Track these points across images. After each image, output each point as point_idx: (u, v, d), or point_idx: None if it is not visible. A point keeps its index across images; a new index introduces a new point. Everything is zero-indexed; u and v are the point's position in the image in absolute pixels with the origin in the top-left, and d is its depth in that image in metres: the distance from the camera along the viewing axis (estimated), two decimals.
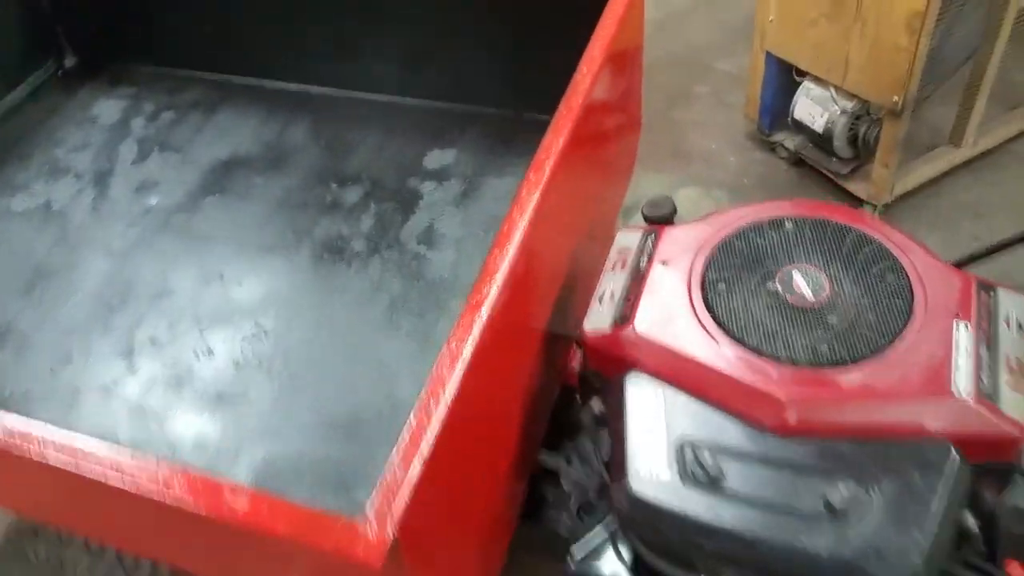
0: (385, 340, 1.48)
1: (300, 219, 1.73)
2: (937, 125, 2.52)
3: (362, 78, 1.96)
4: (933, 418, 1.03)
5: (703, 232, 1.26)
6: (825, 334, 1.11)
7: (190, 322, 1.55)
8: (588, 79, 1.22)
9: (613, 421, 1.12)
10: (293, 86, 2.05)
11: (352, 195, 1.77)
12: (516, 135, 1.84)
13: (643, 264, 1.25)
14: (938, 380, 1.05)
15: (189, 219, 1.76)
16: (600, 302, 1.23)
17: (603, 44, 1.34)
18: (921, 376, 1.05)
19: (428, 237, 1.65)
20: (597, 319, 1.21)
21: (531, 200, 1.07)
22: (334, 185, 1.80)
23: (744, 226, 1.25)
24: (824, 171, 2.52)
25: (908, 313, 1.11)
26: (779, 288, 1.16)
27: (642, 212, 1.37)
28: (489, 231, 1.65)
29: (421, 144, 1.86)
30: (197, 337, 1.53)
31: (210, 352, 1.50)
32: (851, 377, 1.06)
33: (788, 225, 1.24)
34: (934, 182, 2.50)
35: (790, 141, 2.59)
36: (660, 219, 1.35)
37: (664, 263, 1.23)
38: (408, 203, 1.73)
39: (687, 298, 1.17)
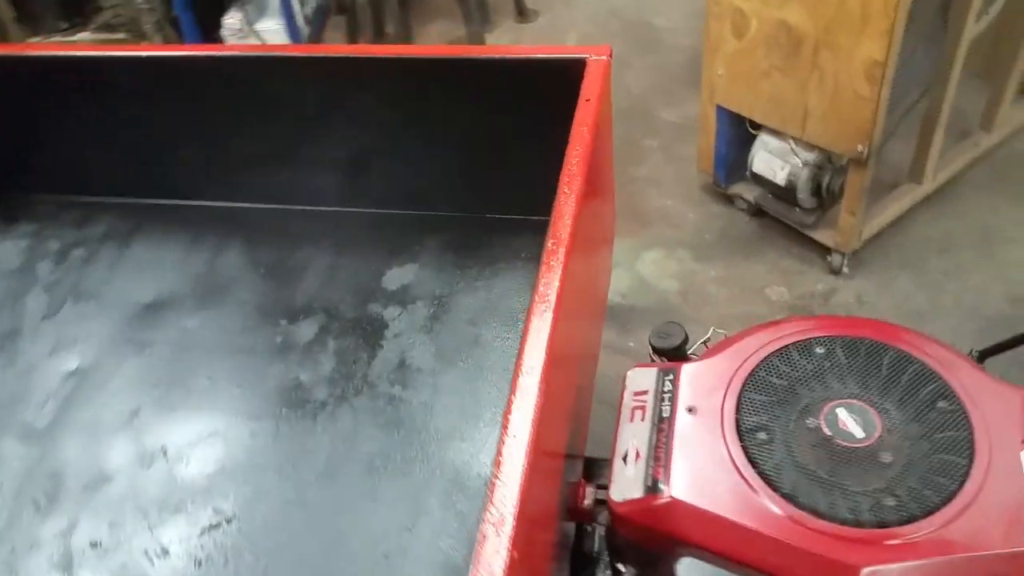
0: (369, 513, 1.29)
1: (248, 368, 1.52)
2: (893, 161, 2.46)
3: (300, 190, 1.77)
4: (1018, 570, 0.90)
5: (726, 367, 1.12)
6: (886, 482, 0.97)
7: (135, 516, 1.33)
8: (582, 159, 1.11)
9: None
10: (219, 204, 1.84)
11: (306, 331, 1.57)
12: (481, 240, 1.67)
13: (665, 411, 1.10)
14: (1017, 527, 0.92)
15: (116, 382, 1.53)
16: (625, 463, 1.07)
17: (591, 122, 1.25)
18: (1001, 524, 0.93)
19: (401, 375, 1.47)
20: (625, 484, 1.05)
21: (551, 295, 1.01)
22: (283, 321, 1.59)
23: (769, 355, 1.11)
24: (787, 222, 2.44)
25: (970, 445, 0.99)
26: (825, 429, 1.02)
27: (650, 343, 1.22)
28: (467, 359, 1.48)
29: (377, 261, 1.68)
30: (146, 535, 1.30)
31: (164, 552, 1.28)
32: (926, 533, 0.93)
33: (818, 350, 1.11)
34: (898, 220, 2.44)
35: (749, 193, 2.50)
36: (671, 351, 1.20)
37: (691, 411, 1.08)
38: (372, 335, 1.54)
39: (725, 452, 1.02)
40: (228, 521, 1.31)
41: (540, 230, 1.68)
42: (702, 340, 1.29)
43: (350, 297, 1.63)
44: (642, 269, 2.48)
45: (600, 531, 1.37)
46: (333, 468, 1.36)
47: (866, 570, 0.91)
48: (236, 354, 1.55)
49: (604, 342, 2.13)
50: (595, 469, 1.50)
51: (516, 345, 1.49)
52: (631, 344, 2.28)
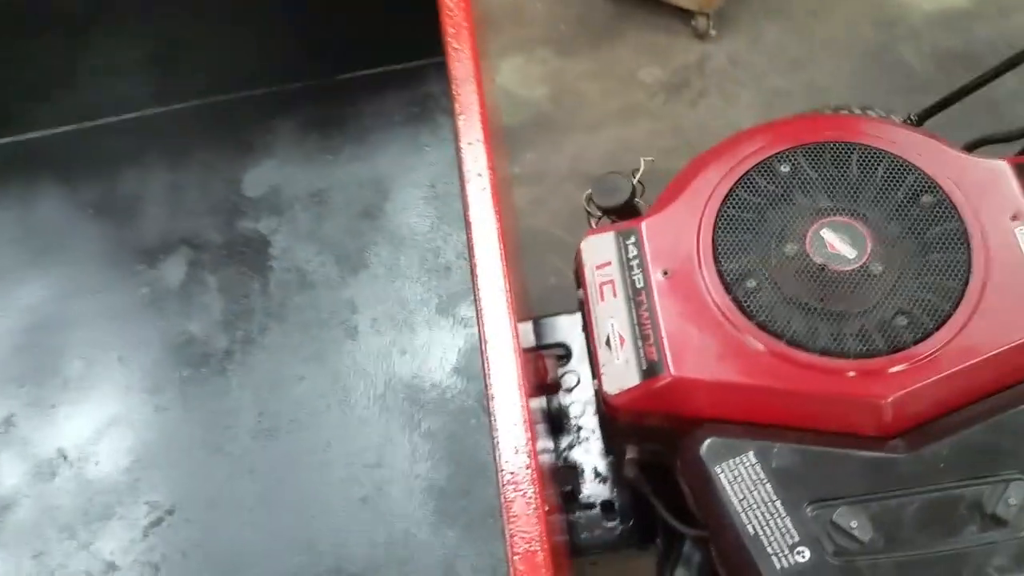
0: (328, 462, 1.14)
1: (122, 335, 1.27)
2: None
3: (104, 102, 1.42)
4: None
5: (688, 212, 0.99)
6: (890, 299, 0.90)
7: (60, 538, 1.13)
8: None
9: (707, 511, 0.89)
10: (4, 141, 1.47)
11: (173, 272, 1.32)
12: (344, 110, 1.41)
13: (638, 280, 0.97)
14: None
15: None
16: (610, 349, 0.95)
17: None
18: (1015, 311, 0.89)
19: (307, 296, 1.26)
20: (617, 374, 0.94)
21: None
22: (140, 267, 1.33)
23: (733, 187, 0.99)
24: None
25: (965, 236, 0.93)
26: (815, 256, 0.93)
27: (592, 202, 1.07)
28: (377, 257, 1.29)
29: (227, 166, 1.40)
30: (83, 555, 1.11)
31: (112, 568, 1.11)
32: (943, 345, 0.88)
33: (782, 168, 0.99)
34: None
35: None
36: (621, 208, 1.06)
37: (666, 273, 0.96)
38: (254, 257, 1.31)
39: (716, 311, 0.92)
40: (169, 512, 1.14)
41: (411, 80, 1.44)
42: (636, 178, 1.14)
43: (210, 218, 1.37)
44: (505, 81, 2.27)
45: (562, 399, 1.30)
46: (267, 423, 1.18)
47: (892, 398, 0.86)
48: (100, 321, 1.29)
49: None
50: (541, 329, 1.41)
51: (430, 226, 1.31)
52: (516, 170, 2.12)
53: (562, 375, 1.30)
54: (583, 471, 1.25)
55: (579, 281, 1.03)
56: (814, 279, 0.92)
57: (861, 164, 0.98)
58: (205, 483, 1.15)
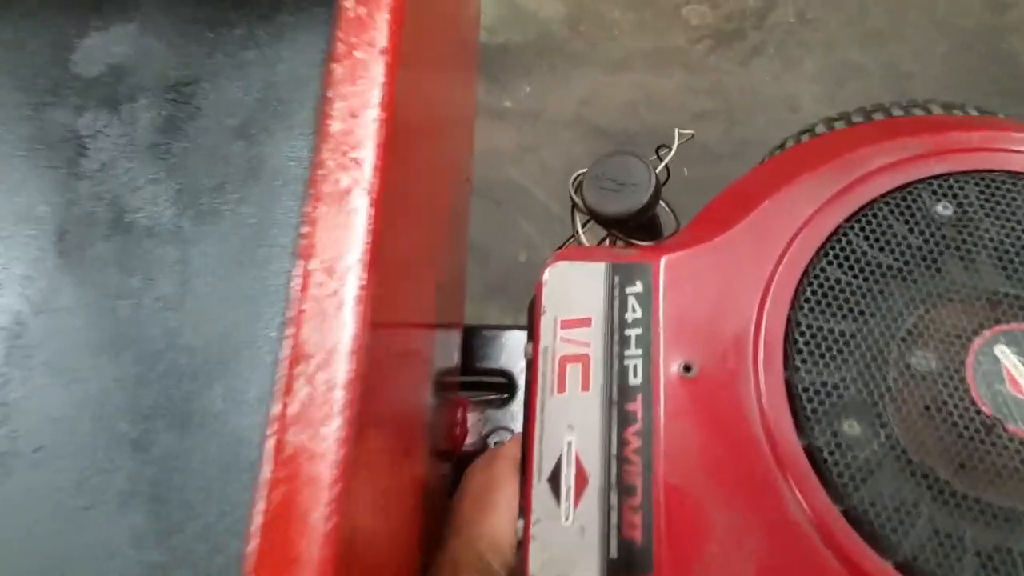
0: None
1: None
2: None
3: None
4: None
5: (748, 259, 0.53)
6: None
7: None
8: None
9: None
10: None
11: None
12: None
13: (635, 371, 0.52)
14: None
15: None
16: (555, 493, 0.50)
17: None
18: None
19: (121, 247, 0.80)
20: (559, 552, 0.49)
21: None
22: None
23: (839, 230, 0.53)
24: None
25: None
26: (982, 400, 0.48)
27: (582, 202, 0.60)
28: (240, 204, 0.82)
29: (62, 25, 0.91)
30: None
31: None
32: None
33: (942, 207, 0.53)
34: None
35: None
36: (632, 217, 0.59)
37: (689, 369, 0.50)
38: (54, 167, 0.84)
39: (775, 468, 0.47)
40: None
41: None
42: (663, 162, 0.68)
43: (18, 95, 0.89)
44: None
45: None
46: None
47: None
48: None
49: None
50: (476, 344, 0.96)
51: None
52: (507, 104, 1.64)
53: (488, 433, 0.86)
54: None
55: (532, 332, 0.57)
56: (974, 443, 0.47)
57: None
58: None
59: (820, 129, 0.73)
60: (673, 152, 0.67)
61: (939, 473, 0.47)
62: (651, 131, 1.61)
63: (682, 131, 0.69)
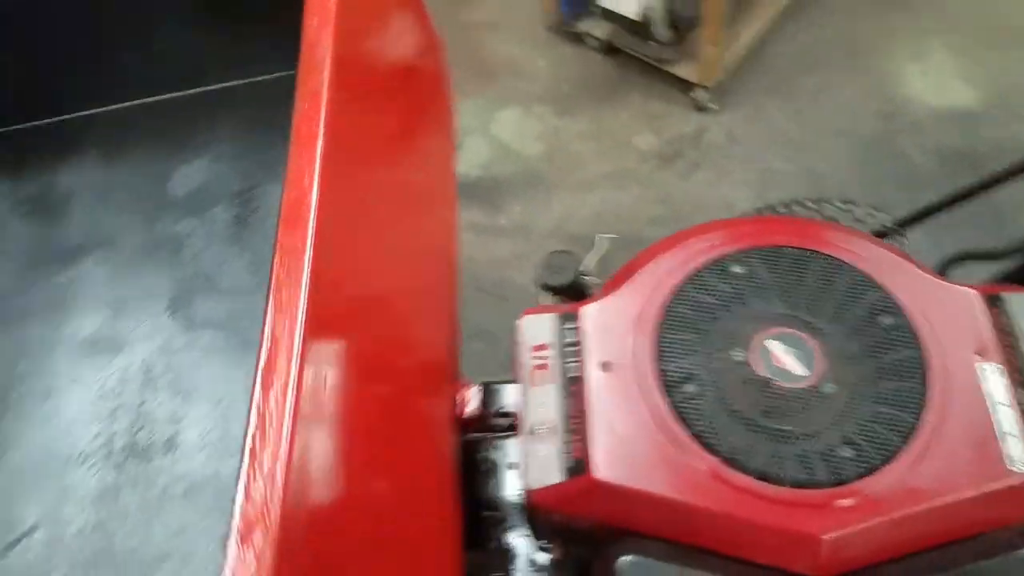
0: None
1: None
2: None
3: (40, 99, 1.41)
4: (997, 507, 0.82)
5: (633, 303, 0.94)
6: (836, 426, 0.85)
7: None
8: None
9: None
10: None
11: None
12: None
13: (573, 369, 0.92)
14: (986, 459, 0.83)
15: None
16: (535, 438, 0.90)
17: None
18: (965, 459, 0.83)
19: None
20: (539, 467, 0.88)
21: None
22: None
23: (682, 283, 0.94)
24: (643, 58, 2.23)
25: (923, 366, 0.87)
26: (760, 369, 0.88)
27: (542, 282, 1.02)
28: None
29: (157, 164, 1.37)
30: None
31: None
32: (887, 485, 0.82)
33: (737, 268, 0.95)
34: (760, 43, 2.29)
35: (599, 30, 2.26)
36: (568, 288, 1.01)
37: (604, 366, 0.91)
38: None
39: (651, 414, 0.87)
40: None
41: None
42: (592, 253, 1.10)
43: (135, 215, 1.34)
44: (500, 132, 2.24)
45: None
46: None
47: (828, 537, 0.80)
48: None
49: (471, 224, 1.92)
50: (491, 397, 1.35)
51: None
52: (503, 222, 2.09)
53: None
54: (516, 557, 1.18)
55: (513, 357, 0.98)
56: (758, 392, 0.87)
57: (820, 275, 0.93)
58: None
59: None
60: (600, 248, 1.09)
61: (743, 411, 0.86)
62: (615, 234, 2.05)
63: (605, 235, 1.12)
